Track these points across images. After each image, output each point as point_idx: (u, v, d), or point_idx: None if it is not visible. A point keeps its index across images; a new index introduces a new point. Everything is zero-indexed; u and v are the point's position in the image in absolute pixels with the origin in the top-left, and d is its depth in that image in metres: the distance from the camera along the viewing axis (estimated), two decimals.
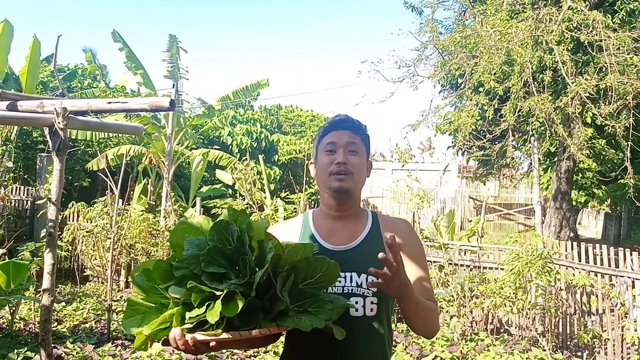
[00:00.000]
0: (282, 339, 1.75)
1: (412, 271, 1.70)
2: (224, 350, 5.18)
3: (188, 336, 1.33)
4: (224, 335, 1.32)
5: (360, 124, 1.80)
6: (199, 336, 1.32)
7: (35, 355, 4.58)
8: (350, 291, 1.63)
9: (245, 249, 1.41)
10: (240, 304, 1.31)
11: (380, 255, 1.36)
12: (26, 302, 6.44)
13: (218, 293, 1.32)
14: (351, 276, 1.64)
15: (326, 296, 1.50)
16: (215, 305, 1.30)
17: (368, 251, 1.68)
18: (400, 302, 1.54)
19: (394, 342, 5.76)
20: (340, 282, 1.63)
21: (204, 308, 1.33)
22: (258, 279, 1.34)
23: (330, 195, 1.73)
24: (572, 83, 7.73)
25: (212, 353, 5.08)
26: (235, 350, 5.28)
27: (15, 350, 4.60)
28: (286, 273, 1.41)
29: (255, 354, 5.30)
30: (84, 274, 9.15)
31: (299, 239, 1.74)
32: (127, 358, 4.82)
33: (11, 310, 5.69)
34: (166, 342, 1.39)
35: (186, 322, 1.35)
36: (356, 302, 1.62)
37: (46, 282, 2.73)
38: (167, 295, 1.40)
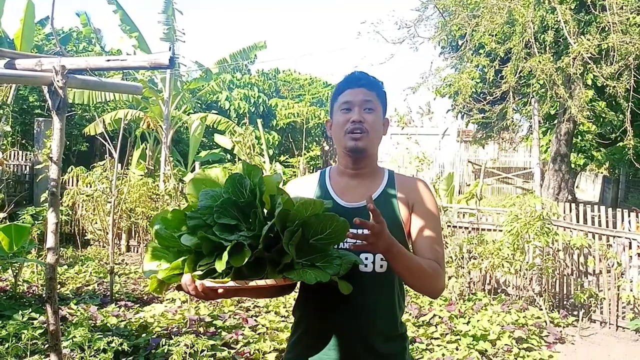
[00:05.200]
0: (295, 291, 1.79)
1: (422, 230, 1.70)
2: (225, 310, 5.27)
3: (198, 282, 1.39)
4: (231, 284, 1.38)
5: (376, 80, 1.78)
6: (208, 283, 1.39)
7: (39, 316, 4.64)
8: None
9: (257, 202, 1.45)
10: (247, 255, 1.36)
11: (356, 220, 1.37)
12: (29, 265, 6.50)
13: (226, 244, 1.37)
14: (363, 232, 1.65)
15: (335, 252, 1.53)
16: (223, 255, 1.36)
17: (380, 209, 1.67)
18: (387, 258, 1.57)
19: None
20: None
21: (213, 257, 1.39)
22: (265, 232, 1.38)
23: (346, 154, 1.74)
24: (574, 43, 7.63)
25: (212, 305, 5.17)
26: (238, 310, 5.36)
27: (20, 312, 4.66)
28: (293, 227, 1.44)
29: (257, 314, 5.38)
30: (85, 238, 9.22)
31: (314, 195, 1.76)
32: (131, 318, 4.89)
33: (14, 273, 5.74)
34: (180, 287, 1.45)
35: (197, 269, 1.42)
36: (366, 258, 1.64)
37: (50, 240, 2.73)
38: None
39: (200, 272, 1.41)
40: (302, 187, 1.81)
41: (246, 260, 1.36)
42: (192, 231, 1.43)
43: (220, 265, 1.35)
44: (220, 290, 1.41)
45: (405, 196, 1.73)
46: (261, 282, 1.39)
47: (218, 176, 1.56)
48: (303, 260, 1.47)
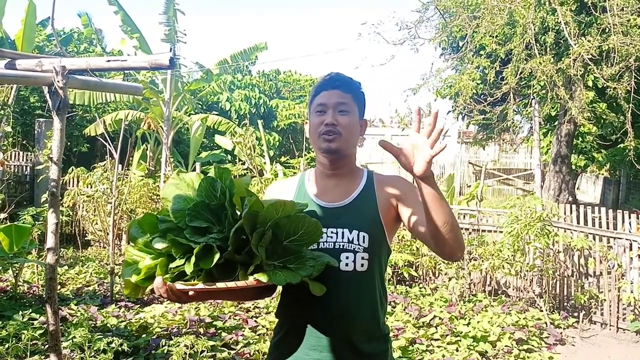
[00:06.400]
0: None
1: (420, 212, 1.61)
2: (226, 311, 5.27)
3: (169, 285, 1.40)
4: (200, 286, 1.37)
5: (351, 81, 1.78)
6: (178, 285, 1.39)
7: (40, 317, 4.64)
8: (341, 247, 1.65)
9: (226, 204, 1.46)
10: (216, 257, 1.36)
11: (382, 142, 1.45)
12: (29, 265, 6.50)
13: (195, 246, 1.38)
14: (343, 232, 1.66)
15: (309, 253, 1.53)
16: (192, 257, 1.37)
17: (360, 208, 1.70)
18: (424, 182, 1.48)
19: (393, 303, 5.87)
20: (331, 237, 1.65)
21: (183, 260, 1.40)
22: (232, 233, 1.39)
23: (322, 155, 1.75)
24: (575, 44, 7.63)
25: (212, 306, 5.17)
26: (238, 311, 5.36)
27: (20, 312, 4.67)
28: (262, 229, 1.44)
29: (257, 314, 5.38)
30: (86, 238, 9.22)
31: (294, 197, 1.76)
32: (131, 319, 4.89)
33: (15, 274, 5.74)
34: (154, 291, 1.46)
35: (169, 272, 1.42)
36: (347, 257, 1.64)
37: (50, 241, 2.74)
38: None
39: (171, 275, 1.42)
40: (283, 189, 1.83)
41: (215, 262, 1.36)
42: (163, 235, 1.44)
43: (189, 268, 1.36)
44: (191, 293, 1.41)
45: (387, 194, 1.73)
46: (231, 284, 1.39)
47: (193, 180, 1.55)
48: (277, 262, 1.46)
